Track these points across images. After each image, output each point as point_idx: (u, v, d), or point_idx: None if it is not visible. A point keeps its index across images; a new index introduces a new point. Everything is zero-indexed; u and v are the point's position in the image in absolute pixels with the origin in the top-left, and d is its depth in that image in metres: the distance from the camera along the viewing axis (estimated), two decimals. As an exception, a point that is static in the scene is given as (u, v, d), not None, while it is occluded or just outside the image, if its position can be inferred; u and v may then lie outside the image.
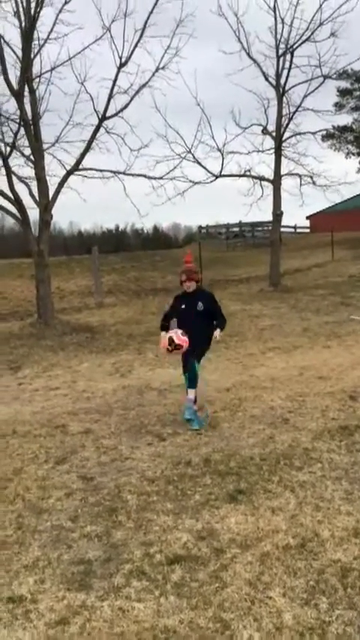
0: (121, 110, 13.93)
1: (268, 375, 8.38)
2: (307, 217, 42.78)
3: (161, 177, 15.18)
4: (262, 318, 13.61)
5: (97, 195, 17.48)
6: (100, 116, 13.81)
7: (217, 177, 18.25)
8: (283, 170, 18.88)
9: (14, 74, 13.14)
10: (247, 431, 6.15)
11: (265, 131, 18.77)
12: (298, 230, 40.80)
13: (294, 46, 17.82)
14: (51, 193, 13.86)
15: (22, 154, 14.01)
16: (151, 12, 13.57)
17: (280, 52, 18.06)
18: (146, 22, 13.61)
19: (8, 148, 13.27)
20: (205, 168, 17.94)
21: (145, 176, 14.88)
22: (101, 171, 14.36)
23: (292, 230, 39.67)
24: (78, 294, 20.01)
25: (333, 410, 6.67)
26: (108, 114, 13.85)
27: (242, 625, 3.04)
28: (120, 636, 3.04)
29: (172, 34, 14.05)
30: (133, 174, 14.51)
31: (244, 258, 28.85)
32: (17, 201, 13.54)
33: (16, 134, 13.29)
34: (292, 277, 20.75)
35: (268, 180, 18.77)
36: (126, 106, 13.93)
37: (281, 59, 18.14)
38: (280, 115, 18.48)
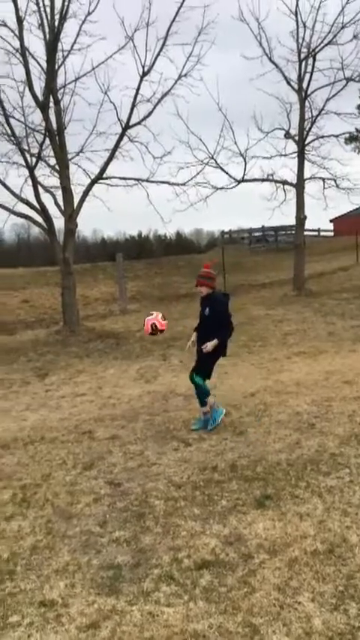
0: (144, 119, 14.06)
1: (293, 380, 8.35)
2: (331, 220, 42.52)
3: (184, 184, 15.27)
4: (287, 322, 13.55)
5: (120, 202, 17.63)
6: (123, 125, 13.96)
7: (239, 182, 18.27)
8: (307, 174, 18.82)
9: (39, 86, 13.39)
10: (273, 436, 6.14)
11: (287, 135, 18.73)
12: (322, 233, 40.56)
13: (316, 50, 17.77)
14: (75, 202, 14.04)
15: (48, 164, 14.23)
16: (173, 20, 13.70)
17: (302, 55, 18.02)
18: (168, 31, 13.74)
19: (34, 159, 13.48)
20: (227, 173, 17.99)
21: (168, 183, 14.98)
22: (125, 179, 14.50)
23: (316, 234, 39.47)
24: (102, 301, 20.19)
25: (360, 415, 6.63)
26: (131, 122, 13.99)
27: (272, 630, 3.05)
28: (150, 640, 3.07)
29: (194, 42, 14.16)
30: (156, 182, 14.62)
31: (267, 262, 28.78)
32: (43, 211, 13.74)
33: (41, 145, 13.50)
34: (316, 281, 20.62)
35: (291, 184, 18.71)
36: (149, 115, 14.06)
37: (303, 63, 18.10)
38: (302, 119, 18.43)
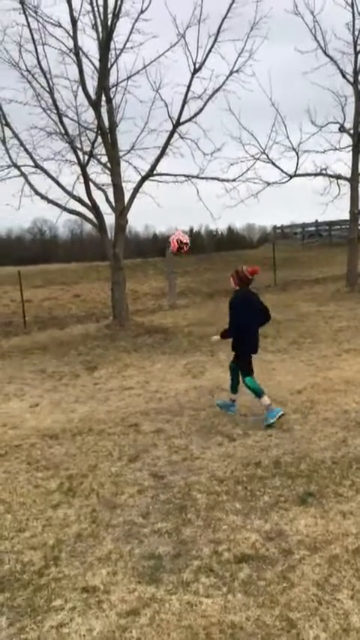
0: (195, 115, 14.06)
1: (342, 378, 8.23)
2: (387, 215, 41.34)
3: (234, 180, 15.18)
4: (338, 319, 13.33)
5: (171, 198, 17.73)
6: (174, 122, 14.00)
7: (291, 177, 18.04)
8: (362, 168, 18.41)
9: (92, 85, 13.59)
10: (319, 434, 6.09)
11: (342, 129, 18.36)
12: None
13: (373, 41, 17.34)
14: (126, 199, 14.21)
15: (99, 162, 14.44)
16: (225, 17, 13.63)
17: (359, 48, 17.62)
18: (220, 27, 13.68)
19: (86, 157, 13.71)
20: (279, 168, 17.80)
21: (217, 179, 14.94)
22: (175, 175, 14.57)
23: (371, 229, 38.46)
24: (152, 296, 20.37)
25: None
26: (182, 119, 14.02)
27: (309, 625, 3.05)
28: (188, 629, 3.13)
29: (246, 37, 14.06)
30: (206, 178, 14.61)
31: (320, 258, 28.31)
32: (94, 208, 13.97)
33: (93, 143, 13.69)
34: (370, 277, 20.14)
35: (345, 178, 18.35)
36: (200, 111, 14.05)
37: (359, 55, 17.72)
38: (358, 112, 18.01)
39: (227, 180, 15.06)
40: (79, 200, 13.93)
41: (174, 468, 5.47)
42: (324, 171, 18.44)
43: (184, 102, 13.90)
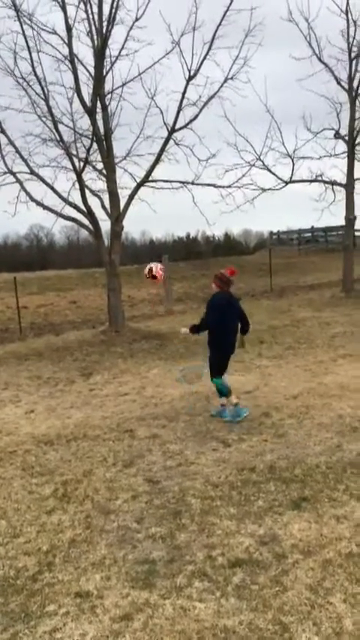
0: (190, 122, 14.11)
1: (337, 383, 8.25)
2: (383, 221, 41.47)
3: (229, 186, 15.23)
4: (334, 324, 13.36)
5: (167, 204, 17.78)
6: (169, 129, 14.05)
7: (287, 183, 18.11)
8: (357, 174, 18.49)
9: (87, 92, 13.62)
10: (314, 439, 6.10)
11: (337, 135, 18.46)
12: (373, 234, 39.63)
13: (367, 48, 17.47)
14: (122, 205, 14.24)
15: (95, 169, 14.46)
16: (220, 24, 13.70)
17: (353, 55, 17.75)
18: (215, 35, 13.75)
19: (82, 163, 13.74)
20: (274, 174, 17.87)
21: (213, 185, 15.00)
22: (170, 182, 14.61)
23: (367, 235, 38.59)
24: (149, 302, 20.37)
25: None
26: (177, 126, 14.06)
27: (302, 628, 3.06)
28: (181, 634, 3.13)
29: (240, 45, 14.13)
30: (201, 184, 14.66)
31: (316, 263, 28.40)
32: (90, 214, 13.99)
33: (89, 149, 13.72)
34: (365, 283, 20.21)
35: (340, 184, 18.44)
36: (195, 118, 14.10)
37: (354, 62, 17.84)
38: (352, 119, 18.13)
39: (223, 187, 15.12)
40: (75, 206, 13.95)
41: (169, 473, 5.47)
42: (319, 178, 18.53)
43: (179, 109, 13.96)
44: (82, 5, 13.16)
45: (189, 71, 13.82)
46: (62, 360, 11.59)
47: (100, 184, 14.57)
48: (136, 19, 13.37)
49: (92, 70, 13.62)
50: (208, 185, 14.84)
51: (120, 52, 13.67)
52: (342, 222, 19.48)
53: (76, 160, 13.69)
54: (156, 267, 7.28)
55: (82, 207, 13.89)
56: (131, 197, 14.27)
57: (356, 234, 23.23)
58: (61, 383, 9.75)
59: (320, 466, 5.32)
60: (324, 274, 23.52)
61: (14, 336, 15.52)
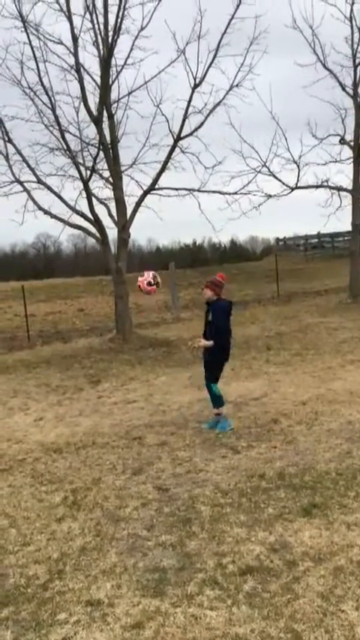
0: (196, 130, 14.17)
1: (346, 389, 8.22)
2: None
3: (235, 193, 15.27)
4: (341, 330, 13.33)
5: (173, 211, 17.82)
6: (175, 137, 14.12)
7: (293, 189, 18.12)
8: (363, 179, 18.48)
9: (93, 101, 13.73)
10: (324, 445, 6.08)
11: (342, 141, 18.47)
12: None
13: (371, 54, 17.49)
14: (128, 213, 14.30)
15: (102, 177, 14.56)
16: (224, 32, 13.78)
17: (358, 61, 17.76)
18: (220, 43, 13.82)
19: (88, 172, 13.82)
20: (280, 180, 17.88)
21: (219, 192, 15.04)
22: (177, 189, 14.66)
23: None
24: (156, 309, 20.40)
25: None
26: (183, 134, 14.13)
27: (314, 636, 3.04)
28: (192, 642, 3.11)
29: (245, 52, 14.19)
30: (207, 191, 14.71)
31: (323, 269, 28.36)
32: (97, 222, 14.06)
33: (95, 158, 13.81)
34: (373, 288, 20.13)
35: (346, 190, 18.43)
36: (200, 125, 14.16)
37: (358, 68, 17.87)
38: (358, 124, 18.13)
39: (229, 193, 15.16)
40: (82, 215, 14.03)
41: (178, 480, 5.47)
42: (325, 184, 18.53)
43: (185, 116, 14.03)
44: (87, 15, 13.30)
45: (194, 79, 13.90)
46: (70, 368, 11.62)
47: (107, 192, 14.67)
48: (142, 29, 13.49)
49: (98, 80, 13.73)
50: (214, 192, 14.89)
51: (126, 61, 13.79)
52: (348, 227, 19.45)
53: (82, 169, 13.79)
54: (153, 276, 7.06)
55: (89, 215, 13.97)
56: (138, 205, 14.34)
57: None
58: (69, 391, 9.77)
59: (330, 473, 5.30)
60: (331, 280, 23.48)
61: (23, 344, 15.58)
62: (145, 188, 14.36)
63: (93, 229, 14.24)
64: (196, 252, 65.34)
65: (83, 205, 14.04)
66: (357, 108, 18.10)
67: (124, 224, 14.17)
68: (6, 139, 13.88)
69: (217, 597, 3.52)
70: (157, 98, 14.01)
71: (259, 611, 3.32)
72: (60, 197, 14.05)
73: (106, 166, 14.25)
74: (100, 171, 14.41)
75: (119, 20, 13.19)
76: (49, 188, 14.04)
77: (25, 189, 14.06)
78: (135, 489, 5.34)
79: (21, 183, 14.04)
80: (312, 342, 12.03)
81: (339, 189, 18.60)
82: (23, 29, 12.92)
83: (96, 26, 13.45)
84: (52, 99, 13.36)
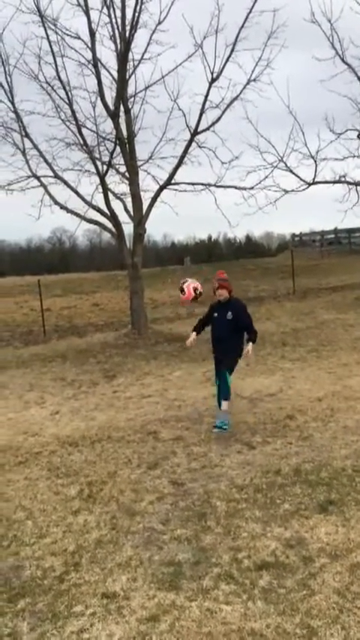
0: (213, 124, 14.10)
1: (362, 386, 8.16)
2: None
3: (252, 188, 15.14)
4: (357, 327, 13.22)
5: (189, 207, 17.80)
6: (192, 131, 14.06)
7: (310, 184, 17.97)
8: (380, 175, 18.32)
9: (110, 95, 13.72)
10: (340, 442, 6.05)
11: (360, 136, 18.31)
12: None
13: (390, 48, 17.31)
14: (144, 208, 14.30)
15: (118, 172, 14.56)
16: (242, 26, 13.66)
17: (376, 54, 17.63)
18: (237, 37, 13.71)
19: (105, 167, 13.84)
20: (297, 176, 17.74)
21: (235, 187, 14.94)
22: (193, 184, 14.62)
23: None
24: (170, 305, 20.40)
25: None
26: (200, 128, 14.07)
27: (329, 633, 3.03)
28: (208, 636, 3.12)
29: (263, 46, 14.07)
30: (223, 186, 14.63)
31: (339, 265, 28.13)
32: (113, 217, 14.08)
33: (112, 153, 13.81)
34: (390, 285, 19.98)
35: (364, 185, 18.27)
36: (217, 120, 14.09)
37: (377, 62, 17.68)
38: (376, 119, 17.96)
39: (245, 189, 15.04)
40: (98, 210, 14.05)
41: (193, 475, 5.47)
42: (343, 179, 18.36)
43: (202, 111, 13.97)
44: (105, 10, 13.29)
45: (212, 73, 13.83)
46: (85, 363, 11.67)
47: (123, 187, 14.71)
48: (159, 23, 13.44)
49: (115, 74, 13.73)
50: (231, 187, 14.80)
51: (143, 56, 13.77)
52: (366, 223, 19.27)
53: (99, 164, 13.81)
54: (196, 284, 6.96)
55: (105, 210, 13.99)
56: (154, 200, 14.32)
57: (380, 235, 23.01)
58: (84, 385, 9.82)
59: (346, 469, 5.27)
60: (347, 276, 23.29)
61: (38, 338, 15.68)
62: (161, 183, 14.35)
63: (109, 224, 14.26)
64: (211, 248, 65.19)
65: (99, 200, 14.08)
66: (375, 102, 17.89)
67: (139, 219, 14.17)
68: (23, 133, 13.95)
69: (232, 592, 3.52)
70: (174, 93, 13.97)
71: (275, 607, 3.31)
72: (76, 192, 14.09)
73: (122, 161, 14.25)
74: (117, 166, 14.42)
75: (137, 14, 13.18)
76: (65, 183, 14.09)
77: (42, 184, 14.12)
78: (150, 483, 5.35)
79: (38, 178, 14.10)
80: (328, 339, 11.95)
81: (357, 184, 18.42)
82: (41, 24, 12.96)
83: (113, 20, 13.44)
84: (69, 94, 13.41)
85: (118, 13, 13.39)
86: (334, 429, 6.48)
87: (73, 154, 15.43)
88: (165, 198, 14.62)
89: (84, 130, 13.71)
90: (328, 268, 27.64)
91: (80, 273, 39.17)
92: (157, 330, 14.60)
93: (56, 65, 13.18)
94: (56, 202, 14.05)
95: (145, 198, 14.35)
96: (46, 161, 13.95)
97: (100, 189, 13.87)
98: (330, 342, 11.57)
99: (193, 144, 14.15)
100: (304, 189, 18.00)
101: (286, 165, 17.22)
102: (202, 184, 14.56)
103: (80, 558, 4.12)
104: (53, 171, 14.02)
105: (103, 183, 13.74)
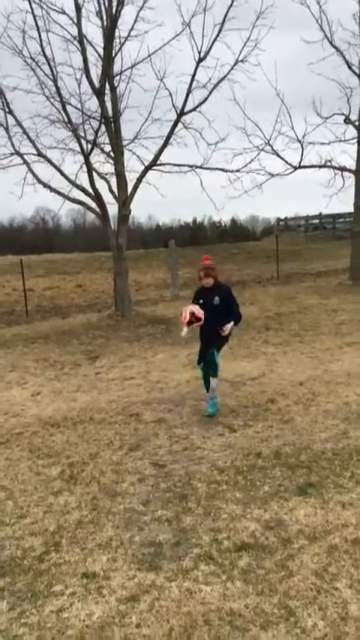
0: (200, 105, 13.97)
1: (344, 370, 8.23)
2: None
3: (238, 170, 15.08)
4: (340, 312, 13.31)
5: (175, 188, 17.67)
6: (178, 111, 13.92)
7: (296, 168, 17.93)
8: (367, 160, 18.29)
9: (96, 73, 13.50)
10: (320, 425, 6.10)
11: (347, 120, 18.21)
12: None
13: (379, 32, 17.18)
14: (129, 189, 14.16)
15: (103, 151, 14.37)
16: (231, 5, 13.51)
17: (365, 39, 17.48)
18: (225, 16, 13.55)
19: (89, 146, 13.65)
20: (283, 159, 17.69)
21: (222, 169, 14.86)
22: (178, 165, 14.50)
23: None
24: (155, 287, 20.35)
25: None
26: (186, 109, 13.93)
27: (307, 613, 3.07)
28: (187, 615, 3.15)
29: (251, 27, 13.92)
30: (210, 168, 14.54)
31: (323, 250, 28.23)
32: (97, 197, 13.92)
33: (97, 131, 13.61)
34: (373, 271, 20.07)
35: (350, 170, 18.24)
36: (204, 101, 13.96)
37: (365, 46, 17.57)
38: (363, 104, 17.91)
39: (231, 171, 14.97)
40: (83, 189, 13.88)
41: (175, 457, 5.49)
42: (328, 163, 18.34)
43: (189, 91, 13.82)
44: (91, -16, 13.00)
45: (199, 53, 13.68)
46: (68, 344, 11.62)
47: (108, 167, 14.50)
48: (146, 0, 13.20)
49: (101, 51, 13.50)
50: (217, 169, 14.71)
51: (129, 33, 13.54)
52: (350, 209, 19.32)
53: (83, 142, 13.62)
54: (196, 309, 6.75)
55: (90, 189, 13.83)
56: (139, 180, 14.19)
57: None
58: (67, 366, 9.78)
59: (326, 452, 5.32)
60: (331, 261, 23.40)
61: (21, 318, 15.55)
62: (146, 163, 14.20)
63: (93, 204, 14.11)
64: (196, 231, 64.98)
65: (84, 179, 13.90)
66: (363, 87, 17.82)
67: (124, 200, 14.04)
68: (6, 110, 13.69)
69: (212, 572, 3.55)
70: (160, 72, 13.79)
71: (254, 587, 3.35)
72: (60, 171, 13.89)
73: (107, 140, 14.06)
74: (102, 145, 14.22)
75: (124, -10, 12.91)
76: (49, 161, 13.88)
77: (25, 162, 13.89)
78: (132, 465, 5.36)
79: (21, 155, 13.87)
80: (311, 324, 12.02)
81: (342, 169, 18.41)
82: (25, -3, 12.64)
83: (100, -5, 13.16)
84: (54, 70, 13.16)
85: (105, -11, 13.14)
86: (315, 412, 6.53)
87: (58, 131, 15.16)
88: (150, 180, 14.51)
89: (69, 108, 13.50)
90: (312, 253, 27.72)
91: (64, 253, 38.83)
92: (140, 312, 14.56)
93: (41, 40, 12.92)
94: (39, 181, 13.86)
95: (130, 179, 14.23)
96: (29, 138, 13.72)
97: (85, 169, 13.69)
98: (313, 327, 11.63)
99: (180, 124, 14.03)
100: (290, 173, 17.97)
101: (272, 149, 17.16)
102: (189, 166, 14.47)
103: (60, 538, 4.13)
104: (37, 148, 13.79)
105: (87, 162, 13.57)
